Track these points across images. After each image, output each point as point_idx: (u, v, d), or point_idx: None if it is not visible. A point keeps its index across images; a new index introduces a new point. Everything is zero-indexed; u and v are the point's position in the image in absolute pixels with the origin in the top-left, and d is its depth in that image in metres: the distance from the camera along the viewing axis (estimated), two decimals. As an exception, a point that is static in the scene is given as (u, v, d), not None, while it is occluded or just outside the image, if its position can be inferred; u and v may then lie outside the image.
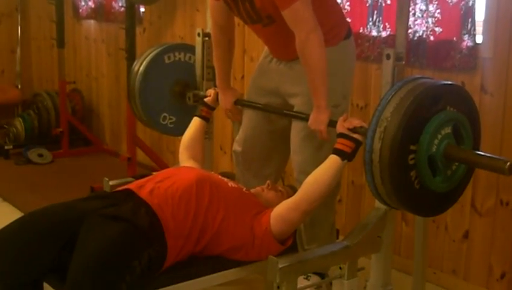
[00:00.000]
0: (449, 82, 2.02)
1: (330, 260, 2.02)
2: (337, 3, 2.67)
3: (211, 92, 2.74)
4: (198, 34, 2.89)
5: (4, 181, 4.29)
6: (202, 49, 2.89)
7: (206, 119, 2.70)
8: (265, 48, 2.63)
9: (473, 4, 2.62)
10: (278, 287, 1.84)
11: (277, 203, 2.19)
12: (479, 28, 2.65)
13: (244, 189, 2.33)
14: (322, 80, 2.27)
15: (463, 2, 2.64)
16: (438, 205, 2.03)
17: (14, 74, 5.59)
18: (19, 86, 5.55)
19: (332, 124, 2.23)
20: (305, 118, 2.35)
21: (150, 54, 3.01)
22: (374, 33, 2.99)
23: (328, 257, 1.99)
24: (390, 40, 2.90)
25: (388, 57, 2.05)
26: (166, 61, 3.01)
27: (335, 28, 2.44)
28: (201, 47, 2.88)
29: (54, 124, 5.02)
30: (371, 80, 3.06)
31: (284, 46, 2.45)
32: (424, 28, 2.78)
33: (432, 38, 2.77)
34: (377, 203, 2.09)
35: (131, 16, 4.00)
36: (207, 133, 2.80)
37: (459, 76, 2.70)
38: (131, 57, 3.88)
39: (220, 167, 3.82)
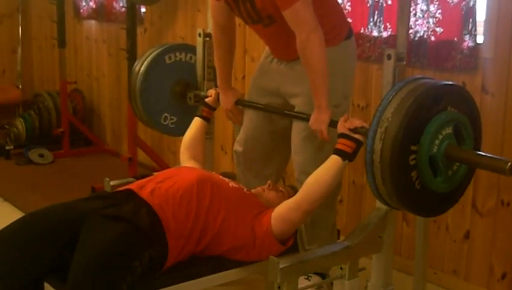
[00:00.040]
0: (450, 82, 2.02)
1: (331, 260, 2.02)
2: (338, 3, 2.67)
3: (211, 92, 2.74)
4: (199, 35, 2.89)
5: (5, 181, 4.29)
6: (203, 50, 2.89)
7: (207, 119, 2.70)
8: (266, 48, 2.63)
9: (474, 4, 2.62)
10: (279, 287, 1.83)
11: (278, 204, 2.19)
12: (480, 28, 2.64)
13: (245, 189, 2.33)
14: (322, 80, 2.27)
15: (464, 2, 2.64)
16: (439, 205, 2.03)
17: (15, 74, 5.59)
18: (20, 86, 5.55)
19: (333, 124, 2.23)
20: (306, 118, 2.35)
21: (150, 54, 3.00)
22: (375, 33, 2.99)
23: (329, 257, 1.99)
24: (391, 41, 2.90)
25: (389, 57, 2.05)
26: (167, 61, 3.01)
27: (336, 28, 2.44)
28: (202, 47, 2.89)
29: (55, 124, 5.02)
30: (372, 80, 3.06)
31: (284, 47, 2.45)
32: (425, 28, 2.78)
33: (432, 38, 2.77)
34: (378, 204, 2.09)
35: (132, 16, 4.01)
36: (208, 133, 2.80)
37: (460, 76, 2.69)
38: (132, 57, 3.88)
39: (220, 167, 3.82)
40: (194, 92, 2.90)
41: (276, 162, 2.72)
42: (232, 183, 2.28)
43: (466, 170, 1.99)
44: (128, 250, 1.88)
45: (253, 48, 3.58)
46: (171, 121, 3.04)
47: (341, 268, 2.00)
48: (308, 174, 2.16)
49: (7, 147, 4.84)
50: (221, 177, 2.32)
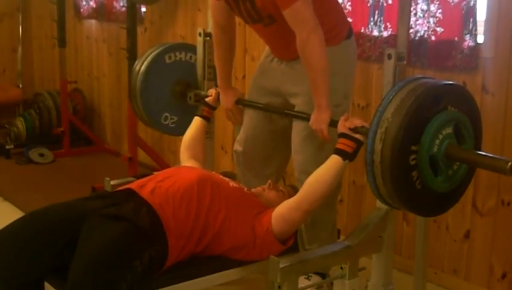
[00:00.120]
0: (450, 82, 2.01)
1: (331, 259, 2.02)
2: (338, 3, 2.67)
3: (212, 91, 2.74)
4: (200, 34, 2.89)
5: (5, 181, 4.29)
6: (203, 49, 2.89)
7: (207, 119, 2.70)
8: (267, 47, 2.63)
9: (474, 4, 2.62)
10: (279, 287, 1.83)
11: (278, 203, 2.19)
12: (480, 28, 2.64)
13: (245, 189, 2.33)
14: (323, 79, 2.27)
15: (464, 2, 2.64)
16: (439, 205, 2.03)
17: (15, 73, 5.58)
18: (20, 86, 5.55)
19: (333, 123, 2.23)
20: (306, 117, 2.35)
21: (151, 53, 3.00)
22: (375, 33, 2.99)
23: (329, 256, 1.99)
24: (391, 40, 2.90)
25: (389, 56, 2.05)
26: (168, 61, 3.01)
27: (336, 28, 2.44)
28: (203, 47, 2.89)
29: (55, 123, 5.02)
30: (372, 80, 3.06)
31: (285, 46, 2.45)
32: (426, 28, 2.78)
33: (433, 38, 2.76)
34: (378, 203, 2.09)
35: (132, 15, 4.00)
36: (208, 132, 2.80)
37: (460, 76, 2.69)
38: (132, 56, 3.88)
39: (221, 166, 3.82)
40: (194, 92, 2.90)
41: (277, 162, 2.72)
42: (232, 183, 2.28)
43: (466, 169, 1.99)
44: (129, 249, 1.88)
45: (254, 48, 3.58)
46: (171, 121, 3.04)
47: (341, 268, 2.00)
48: (309, 173, 2.16)
49: (7, 147, 4.83)
50: (221, 176, 2.32)
